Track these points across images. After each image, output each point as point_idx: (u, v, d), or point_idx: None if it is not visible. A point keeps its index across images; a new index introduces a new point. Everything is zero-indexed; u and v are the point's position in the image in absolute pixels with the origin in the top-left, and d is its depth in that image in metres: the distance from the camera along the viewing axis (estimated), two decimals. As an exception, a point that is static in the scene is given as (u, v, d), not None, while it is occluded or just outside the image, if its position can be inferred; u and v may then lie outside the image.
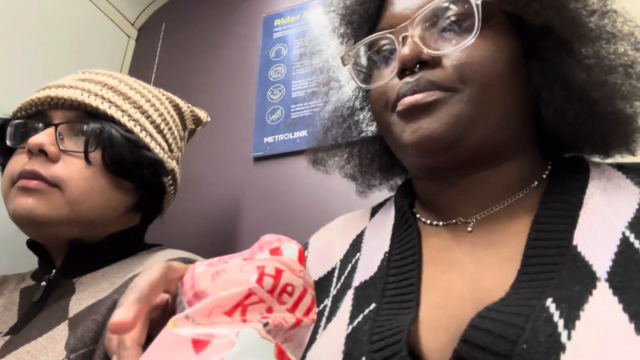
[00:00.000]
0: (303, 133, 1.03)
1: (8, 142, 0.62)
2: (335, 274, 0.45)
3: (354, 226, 0.50)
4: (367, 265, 0.41)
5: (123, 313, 0.29)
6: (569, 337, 0.25)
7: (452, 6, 0.38)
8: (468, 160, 0.39)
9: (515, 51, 0.38)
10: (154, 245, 0.71)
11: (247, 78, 1.14)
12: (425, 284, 0.36)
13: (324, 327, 0.39)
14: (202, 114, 0.85)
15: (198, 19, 1.30)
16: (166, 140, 0.71)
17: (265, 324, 0.31)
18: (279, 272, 0.34)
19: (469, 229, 0.39)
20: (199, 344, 0.28)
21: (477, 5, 0.37)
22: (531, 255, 0.33)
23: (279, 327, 0.32)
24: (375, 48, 0.44)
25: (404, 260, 0.38)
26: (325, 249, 0.49)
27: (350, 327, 0.35)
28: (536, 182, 0.40)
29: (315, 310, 0.37)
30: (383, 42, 0.43)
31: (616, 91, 0.37)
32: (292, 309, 0.35)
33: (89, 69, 0.70)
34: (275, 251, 0.37)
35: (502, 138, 0.39)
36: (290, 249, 0.37)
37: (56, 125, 0.59)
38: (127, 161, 0.61)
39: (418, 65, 0.38)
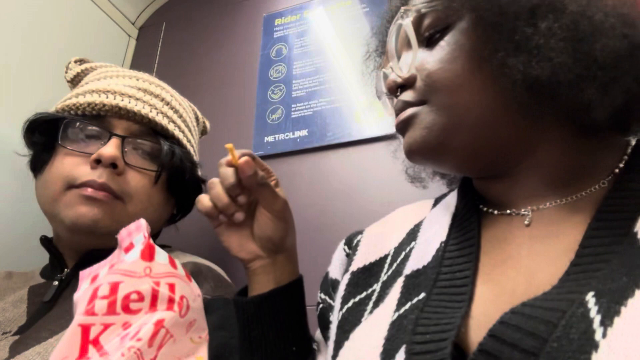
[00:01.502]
0: (304, 132, 1.04)
1: (60, 141, 0.60)
2: (388, 261, 0.44)
3: (413, 216, 0.49)
4: (421, 254, 0.40)
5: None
6: (604, 335, 0.23)
7: (393, 37, 0.43)
8: (473, 160, 0.38)
9: (478, 47, 0.36)
10: (163, 247, 0.71)
11: (247, 77, 1.15)
12: (480, 277, 0.34)
13: (370, 312, 0.38)
14: (207, 125, 0.88)
15: (199, 18, 1.30)
16: (195, 154, 0.74)
17: None
18: (114, 287, 0.32)
19: (526, 222, 0.37)
20: None
21: (406, 25, 0.41)
22: (587, 245, 0.30)
23: (135, 353, 0.30)
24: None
25: (460, 251, 0.37)
26: (381, 237, 0.48)
27: (396, 314, 0.35)
28: (616, 170, 0.35)
29: (184, 296, 0.33)
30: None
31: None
32: (152, 308, 0.33)
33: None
34: (128, 249, 0.35)
35: (499, 133, 0.37)
36: (136, 245, 0.35)
37: (123, 138, 0.60)
38: (189, 183, 0.65)
39: (399, 89, 0.42)
